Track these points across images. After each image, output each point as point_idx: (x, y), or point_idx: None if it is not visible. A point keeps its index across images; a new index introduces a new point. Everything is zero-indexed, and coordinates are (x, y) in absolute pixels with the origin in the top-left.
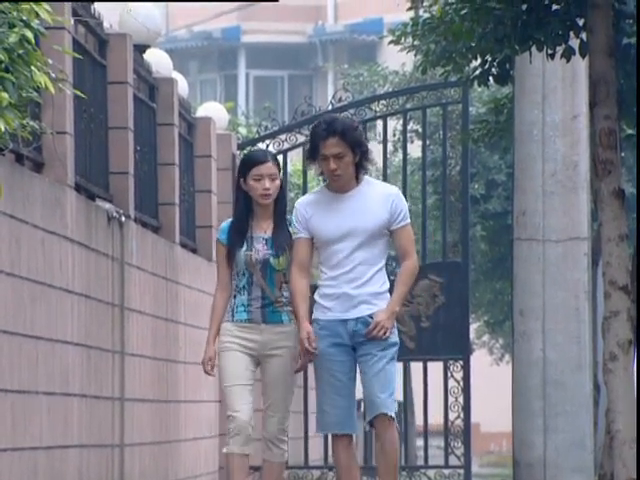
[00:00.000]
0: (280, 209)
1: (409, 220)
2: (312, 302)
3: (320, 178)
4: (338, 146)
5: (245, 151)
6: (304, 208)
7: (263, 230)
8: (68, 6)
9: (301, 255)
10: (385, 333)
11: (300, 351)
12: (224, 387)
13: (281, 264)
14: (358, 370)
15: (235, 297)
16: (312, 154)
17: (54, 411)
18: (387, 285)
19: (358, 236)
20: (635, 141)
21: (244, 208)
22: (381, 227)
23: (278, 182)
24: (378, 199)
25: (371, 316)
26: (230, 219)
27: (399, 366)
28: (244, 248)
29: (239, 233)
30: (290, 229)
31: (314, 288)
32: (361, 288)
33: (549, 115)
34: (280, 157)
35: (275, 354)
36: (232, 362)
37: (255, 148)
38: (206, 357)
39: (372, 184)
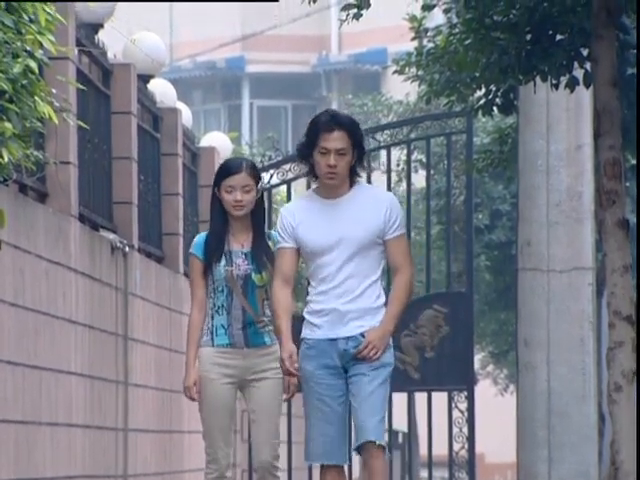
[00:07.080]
0: (258, 222)
1: (404, 230)
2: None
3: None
4: (342, 141)
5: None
6: (291, 214)
7: (240, 244)
8: (72, 36)
9: (285, 267)
10: (376, 354)
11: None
12: (205, 423)
13: (263, 279)
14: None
15: (213, 318)
16: (308, 148)
17: (58, 441)
18: (383, 299)
19: (348, 246)
20: None
21: (220, 220)
22: (374, 236)
23: (253, 193)
24: (370, 205)
25: (363, 334)
26: (204, 233)
27: (403, 397)
28: (222, 263)
29: (216, 247)
30: (270, 243)
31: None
32: (351, 303)
33: (553, 145)
34: (284, 187)
35: (262, 377)
36: (214, 396)
37: (232, 157)
38: (190, 382)
39: (364, 189)
